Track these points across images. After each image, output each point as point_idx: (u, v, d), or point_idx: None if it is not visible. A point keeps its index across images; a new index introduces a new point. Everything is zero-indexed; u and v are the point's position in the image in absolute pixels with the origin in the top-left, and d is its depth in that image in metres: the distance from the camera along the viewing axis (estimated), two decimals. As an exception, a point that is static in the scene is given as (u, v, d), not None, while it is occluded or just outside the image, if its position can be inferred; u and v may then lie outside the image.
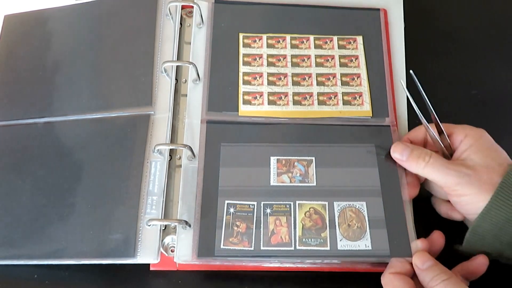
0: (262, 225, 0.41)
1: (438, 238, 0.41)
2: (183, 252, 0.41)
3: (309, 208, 0.42)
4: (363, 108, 0.47)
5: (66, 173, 0.45)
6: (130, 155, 0.45)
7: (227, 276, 0.43)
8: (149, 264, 0.43)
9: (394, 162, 0.43)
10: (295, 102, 0.47)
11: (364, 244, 0.40)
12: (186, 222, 0.41)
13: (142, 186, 0.43)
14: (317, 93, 0.48)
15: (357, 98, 0.47)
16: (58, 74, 0.50)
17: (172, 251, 0.42)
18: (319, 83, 0.48)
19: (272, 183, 0.43)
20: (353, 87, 0.48)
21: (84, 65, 0.50)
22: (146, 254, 0.41)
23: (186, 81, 0.49)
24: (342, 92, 0.48)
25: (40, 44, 0.53)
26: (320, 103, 0.47)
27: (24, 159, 0.47)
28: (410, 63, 0.51)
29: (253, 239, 0.41)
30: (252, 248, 0.40)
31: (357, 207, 0.42)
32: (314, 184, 0.43)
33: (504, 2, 0.58)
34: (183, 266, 0.43)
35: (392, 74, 0.50)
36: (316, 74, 0.49)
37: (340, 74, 0.49)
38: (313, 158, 0.44)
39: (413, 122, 0.48)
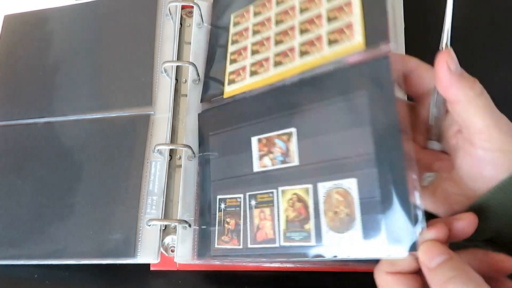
0: (248, 220, 0.37)
1: (468, 225, 0.28)
2: (183, 252, 0.41)
3: (292, 195, 0.34)
4: (353, 41, 0.34)
5: (66, 173, 0.45)
6: (130, 155, 0.45)
7: (228, 276, 0.43)
8: (149, 264, 0.43)
9: (396, 110, 0.30)
10: (276, 64, 0.39)
11: (354, 235, 0.30)
12: (186, 222, 0.41)
13: (142, 186, 0.43)
14: (299, 43, 0.38)
15: (346, 31, 0.35)
16: (58, 74, 0.50)
17: (172, 251, 0.42)
18: (302, 32, 0.38)
19: (255, 169, 0.37)
20: (342, 20, 0.35)
21: (84, 65, 0.50)
22: (146, 254, 0.41)
23: (186, 81, 0.49)
24: (328, 31, 0.36)
25: (40, 44, 0.52)
26: (302, 54, 0.37)
27: (24, 159, 0.47)
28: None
29: (241, 236, 0.37)
30: (241, 246, 0.37)
31: (345, 187, 0.31)
32: (297, 163, 0.35)
33: (504, 2, 0.58)
34: (183, 266, 0.43)
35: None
36: (299, 22, 0.39)
37: (326, 9, 0.37)
38: (294, 130, 0.35)
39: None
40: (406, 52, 0.52)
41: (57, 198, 0.44)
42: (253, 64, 0.41)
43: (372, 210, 0.30)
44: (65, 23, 0.53)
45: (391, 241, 0.29)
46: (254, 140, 0.38)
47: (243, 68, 0.42)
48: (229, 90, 0.42)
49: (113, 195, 0.43)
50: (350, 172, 0.31)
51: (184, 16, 0.52)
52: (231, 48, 0.44)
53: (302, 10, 0.39)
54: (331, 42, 0.35)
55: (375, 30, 0.33)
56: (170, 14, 0.50)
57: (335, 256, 0.31)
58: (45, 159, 0.46)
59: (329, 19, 0.37)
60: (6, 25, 0.55)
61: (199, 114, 0.45)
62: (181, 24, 0.52)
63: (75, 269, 0.43)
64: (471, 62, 0.54)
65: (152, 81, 0.48)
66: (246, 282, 0.43)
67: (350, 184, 0.31)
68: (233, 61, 0.43)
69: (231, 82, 0.42)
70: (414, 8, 0.56)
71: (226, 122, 0.41)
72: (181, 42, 0.51)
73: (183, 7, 0.52)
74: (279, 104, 0.37)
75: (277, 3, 0.42)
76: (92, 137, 0.46)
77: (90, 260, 0.41)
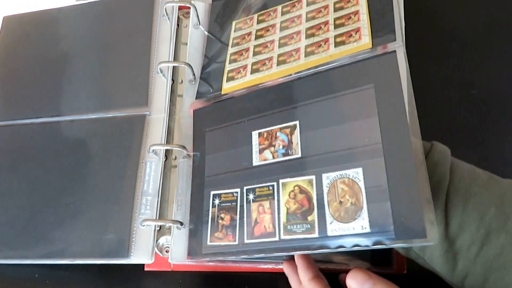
0: (245, 215, 0.36)
1: None
2: (178, 252, 0.41)
3: (294, 187, 0.34)
4: (361, 43, 0.36)
5: (62, 173, 0.45)
6: (126, 155, 0.45)
7: (224, 277, 0.43)
8: (144, 265, 0.43)
9: (401, 102, 0.31)
10: (280, 63, 0.40)
11: (360, 225, 0.30)
12: (181, 223, 0.41)
13: (137, 186, 0.43)
14: (305, 45, 0.39)
15: (354, 35, 0.37)
16: (55, 75, 0.51)
17: (167, 251, 0.42)
18: (308, 36, 0.40)
19: (254, 163, 0.37)
20: (349, 26, 0.38)
21: (81, 65, 0.51)
22: (140, 255, 0.41)
23: (182, 81, 0.49)
24: (335, 35, 0.38)
25: (38, 45, 0.53)
26: (308, 54, 0.38)
27: (21, 159, 0.47)
28: (409, 63, 0.51)
29: (237, 231, 0.36)
30: (237, 242, 0.36)
31: (350, 177, 0.32)
32: (299, 155, 0.35)
33: (504, 1, 0.57)
34: (178, 266, 0.43)
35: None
36: (305, 28, 0.40)
37: (334, 18, 0.39)
38: (297, 123, 0.36)
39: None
40: (407, 51, 0.51)
41: (52, 198, 0.44)
42: (254, 63, 0.42)
43: (379, 198, 0.30)
44: (63, 24, 0.54)
45: (398, 228, 0.29)
46: (254, 134, 0.38)
47: (244, 67, 0.42)
48: (228, 86, 0.42)
49: (108, 195, 0.43)
50: (356, 162, 0.32)
51: (181, 16, 0.52)
52: (231, 50, 0.45)
53: (308, 19, 0.41)
54: (338, 44, 0.37)
55: (382, 33, 0.35)
56: (167, 14, 0.50)
57: (341, 247, 0.31)
58: (41, 159, 0.46)
59: (336, 26, 0.39)
60: (5, 26, 0.55)
61: (194, 111, 0.44)
62: (178, 24, 0.52)
63: (75, 269, 0.44)
64: (471, 62, 0.54)
65: (148, 81, 0.48)
66: (246, 282, 0.42)
67: (356, 174, 0.32)
68: (232, 61, 0.44)
69: (230, 79, 0.43)
70: (414, 8, 0.55)
71: (224, 118, 0.41)
72: (178, 43, 0.51)
73: (180, 8, 0.52)
74: (281, 99, 0.38)
75: (282, 13, 0.44)
76: (88, 138, 0.47)
77: (84, 260, 0.42)
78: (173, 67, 0.49)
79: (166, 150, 0.46)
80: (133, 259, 0.41)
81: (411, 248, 0.33)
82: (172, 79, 0.49)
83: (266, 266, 0.42)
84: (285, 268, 0.38)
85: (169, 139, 0.46)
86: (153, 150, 0.44)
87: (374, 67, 0.34)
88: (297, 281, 0.36)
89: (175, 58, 0.50)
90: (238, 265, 0.41)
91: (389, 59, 0.33)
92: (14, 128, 0.49)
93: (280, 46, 0.41)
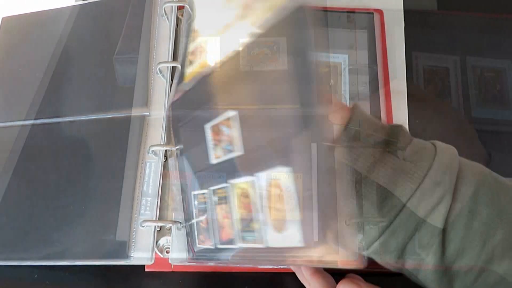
0: (213, 218, 0.33)
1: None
2: (178, 253, 0.41)
3: (240, 190, 0.30)
4: None
5: (62, 174, 0.45)
6: (125, 156, 0.45)
7: (225, 277, 0.43)
8: (144, 265, 0.43)
9: (310, 60, 0.25)
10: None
11: (294, 236, 0.25)
12: (181, 223, 0.41)
13: (137, 187, 0.43)
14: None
15: None
16: (55, 76, 0.50)
17: (167, 252, 0.42)
18: None
19: (212, 161, 0.32)
20: None
21: (81, 66, 0.50)
22: (140, 256, 0.41)
23: (182, 81, 0.49)
24: None
25: (37, 45, 0.53)
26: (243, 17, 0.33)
27: (20, 160, 0.47)
28: (409, 63, 0.51)
29: (211, 235, 0.33)
30: (213, 247, 0.33)
31: (279, 176, 0.26)
32: (241, 152, 0.29)
33: (504, 1, 0.57)
34: (178, 267, 0.42)
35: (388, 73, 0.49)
36: None
37: None
38: (235, 113, 0.29)
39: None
40: (406, 51, 0.51)
41: (52, 200, 0.44)
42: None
43: (309, 203, 0.25)
44: (62, 24, 0.53)
45: (323, 244, 0.24)
46: (207, 128, 0.33)
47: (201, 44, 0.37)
48: (188, 72, 0.37)
49: (107, 196, 0.43)
50: (283, 153, 0.26)
51: (180, 16, 0.52)
52: (192, 25, 0.39)
53: None
54: None
55: None
56: (166, 14, 0.50)
57: (280, 263, 0.26)
58: (40, 161, 0.46)
59: None
60: (4, 27, 0.55)
61: (170, 105, 0.40)
62: (177, 24, 0.51)
63: (75, 270, 0.44)
64: (471, 62, 0.54)
65: (147, 82, 0.48)
66: (246, 282, 0.42)
67: (290, 172, 0.25)
68: (191, 41, 0.38)
69: (191, 63, 0.37)
70: (414, 7, 0.55)
71: (188, 110, 0.36)
72: (177, 43, 0.51)
73: (179, 8, 0.51)
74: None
75: None
76: (87, 138, 0.47)
77: (84, 261, 0.42)
78: (172, 67, 0.49)
79: (166, 151, 0.45)
80: (133, 260, 0.41)
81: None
82: (172, 79, 0.49)
83: (266, 266, 0.42)
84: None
85: (169, 139, 0.46)
86: (152, 150, 0.44)
87: (286, 24, 0.27)
88: (303, 276, 0.36)
89: (174, 58, 0.50)
90: (238, 265, 0.41)
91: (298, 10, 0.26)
92: (14, 129, 0.49)
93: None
